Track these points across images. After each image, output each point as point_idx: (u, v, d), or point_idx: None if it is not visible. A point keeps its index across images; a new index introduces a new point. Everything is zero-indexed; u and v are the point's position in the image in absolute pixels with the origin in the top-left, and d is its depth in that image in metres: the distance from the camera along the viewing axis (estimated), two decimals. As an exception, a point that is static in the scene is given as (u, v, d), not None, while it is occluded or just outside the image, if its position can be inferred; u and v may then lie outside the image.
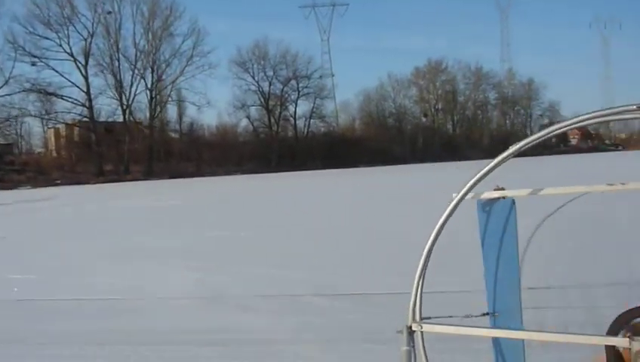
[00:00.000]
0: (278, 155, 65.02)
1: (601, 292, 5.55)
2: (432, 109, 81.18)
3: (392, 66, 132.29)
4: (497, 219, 1.62)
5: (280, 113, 71.79)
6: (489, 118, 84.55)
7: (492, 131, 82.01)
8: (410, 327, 1.49)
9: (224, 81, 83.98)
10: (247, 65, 69.88)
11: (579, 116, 1.38)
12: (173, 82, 64.47)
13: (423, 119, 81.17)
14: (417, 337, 1.50)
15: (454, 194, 1.50)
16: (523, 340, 1.60)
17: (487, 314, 1.65)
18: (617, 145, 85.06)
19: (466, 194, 1.46)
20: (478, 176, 1.44)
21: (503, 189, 1.60)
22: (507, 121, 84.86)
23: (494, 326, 1.62)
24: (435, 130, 79.70)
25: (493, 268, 1.67)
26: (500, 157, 1.42)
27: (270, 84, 70.64)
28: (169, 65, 64.65)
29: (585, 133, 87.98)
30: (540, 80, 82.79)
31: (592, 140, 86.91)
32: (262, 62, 70.30)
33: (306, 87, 72.57)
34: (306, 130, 73.96)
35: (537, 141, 1.42)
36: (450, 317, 1.55)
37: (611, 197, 12.07)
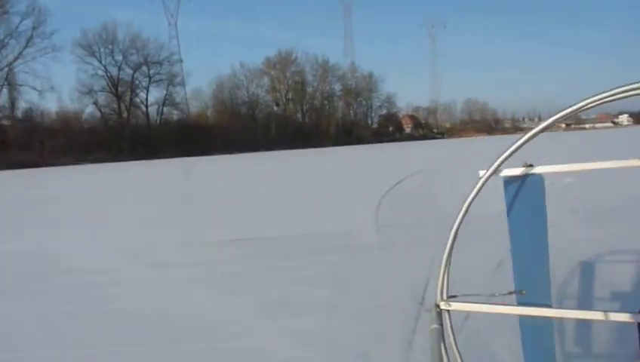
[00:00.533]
0: (130, 143, 62.17)
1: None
2: (284, 99, 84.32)
3: (245, 56, 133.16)
4: (525, 196, 1.57)
5: (131, 100, 68.74)
6: (335, 108, 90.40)
7: (338, 120, 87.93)
8: (439, 306, 1.46)
9: (69, 65, 77.56)
10: (94, 49, 65.83)
11: (601, 93, 1.31)
12: (9, 65, 58.03)
13: (275, 108, 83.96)
14: (445, 315, 1.47)
15: (481, 172, 1.46)
16: (552, 318, 1.54)
17: (514, 292, 1.61)
18: (442, 133, 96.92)
19: (493, 172, 1.42)
20: (505, 154, 1.39)
21: (531, 166, 1.53)
22: (351, 111, 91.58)
23: (522, 303, 1.57)
24: (287, 118, 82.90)
25: (520, 245, 1.63)
26: (529, 134, 1.37)
27: (119, 70, 67.56)
28: (4, 47, 58.09)
29: (416, 122, 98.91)
30: (379, 73, 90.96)
31: (422, 129, 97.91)
32: (110, 47, 66.65)
33: (158, 73, 70.59)
34: (158, 118, 71.81)
35: (567, 116, 1.37)
36: (478, 295, 1.52)
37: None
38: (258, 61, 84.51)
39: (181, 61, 74.12)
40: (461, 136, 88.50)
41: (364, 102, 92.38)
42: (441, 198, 11.96)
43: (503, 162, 1.42)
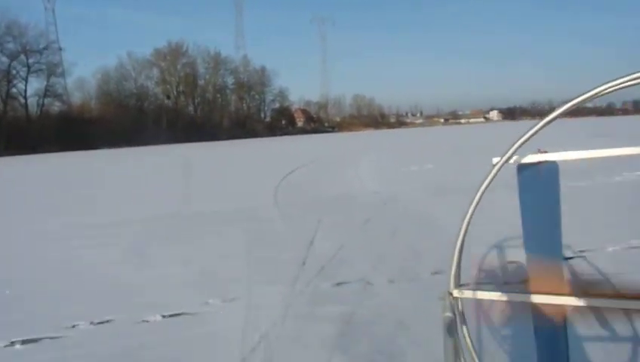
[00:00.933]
0: (7, 137, 57.48)
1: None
2: (174, 91, 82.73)
3: (132, 45, 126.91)
4: (539, 183, 1.55)
5: (7, 90, 63.27)
6: (228, 101, 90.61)
7: (231, 114, 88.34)
8: (452, 294, 1.47)
9: None
10: (-36, 35, 59.12)
11: (611, 82, 1.28)
12: None
13: (166, 100, 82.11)
14: (457, 303, 1.48)
15: (495, 159, 1.45)
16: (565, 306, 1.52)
17: (527, 280, 1.61)
18: (333, 127, 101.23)
19: (508, 158, 1.41)
20: (520, 140, 1.38)
21: (545, 152, 1.52)
22: (244, 105, 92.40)
23: (535, 291, 1.55)
24: (178, 111, 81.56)
25: (533, 233, 1.63)
26: (543, 122, 1.36)
27: (-6, 58, 61.48)
28: None
29: (308, 116, 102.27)
30: (272, 68, 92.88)
31: (314, 123, 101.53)
32: (-17, 33, 60.39)
33: (37, 62, 65.86)
34: (38, 110, 66.93)
35: (580, 104, 1.34)
36: (490, 284, 1.58)
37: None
38: (147, 52, 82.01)
39: (60, 49, 69.81)
40: (350, 130, 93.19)
41: (257, 96, 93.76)
42: (326, 183, 14.50)
43: (517, 149, 1.40)
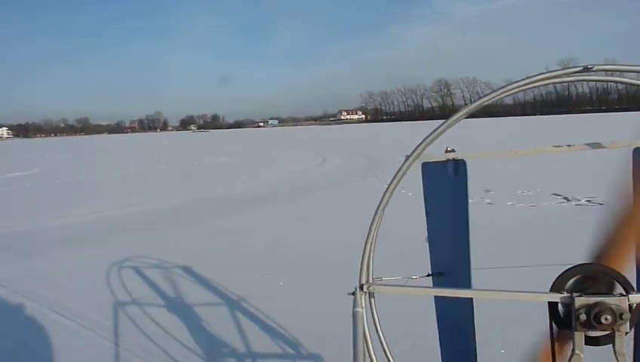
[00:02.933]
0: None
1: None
2: None
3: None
4: (447, 180, 1.59)
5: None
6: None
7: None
8: (362, 288, 1.47)
9: None
10: None
11: (530, 77, 1.32)
12: None
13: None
14: (366, 298, 1.48)
15: (405, 156, 1.49)
16: (472, 299, 1.58)
17: (430, 275, 1.68)
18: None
19: (417, 156, 1.45)
20: (427, 138, 1.42)
21: (453, 151, 1.57)
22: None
23: (442, 286, 1.61)
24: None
25: (439, 230, 1.67)
26: (451, 119, 1.39)
27: None
28: None
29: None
30: None
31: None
32: None
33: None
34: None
35: (489, 102, 1.39)
36: (397, 278, 1.54)
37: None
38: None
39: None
40: None
41: None
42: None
43: (425, 147, 1.41)
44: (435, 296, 1.67)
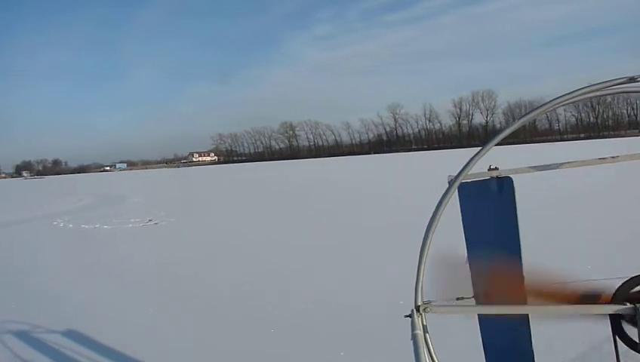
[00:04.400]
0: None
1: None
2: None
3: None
4: (490, 199, 1.55)
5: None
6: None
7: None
8: (418, 309, 1.45)
9: None
10: None
11: (571, 93, 1.29)
12: None
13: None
14: (423, 319, 1.46)
15: (449, 176, 1.47)
16: (528, 320, 1.55)
17: (476, 295, 1.62)
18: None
19: (459, 177, 1.42)
20: (473, 159, 1.39)
21: (496, 169, 1.53)
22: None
23: (492, 305, 1.56)
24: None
25: (485, 249, 1.62)
26: (495, 140, 1.37)
27: None
28: None
29: None
30: None
31: None
32: None
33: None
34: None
35: (530, 119, 1.38)
36: (450, 299, 1.55)
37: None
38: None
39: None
40: None
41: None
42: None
43: (470, 168, 1.39)
44: (482, 318, 1.66)
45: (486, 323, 1.67)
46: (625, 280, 1.28)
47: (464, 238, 1.66)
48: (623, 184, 13.53)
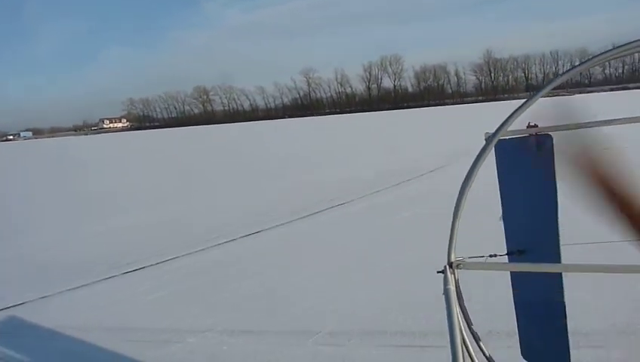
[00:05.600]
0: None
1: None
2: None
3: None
4: (528, 157, 1.52)
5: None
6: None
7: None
8: (451, 266, 1.45)
9: None
10: None
11: (619, 47, 1.25)
12: None
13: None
14: (455, 274, 1.45)
15: (486, 133, 1.42)
16: (561, 278, 1.55)
17: (509, 253, 1.62)
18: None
19: (498, 133, 1.37)
20: (512, 115, 1.35)
21: (535, 126, 1.49)
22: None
23: (528, 262, 1.54)
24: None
25: (520, 207, 1.59)
26: (536, 96, 1.32)
27: None
28: None
29: None
30: None
31: None
32: None
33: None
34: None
35: (580, 71, 1.35)
36: (482, 256, 1.51)
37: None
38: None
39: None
40: None
41: None
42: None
43: (509, 125, 1.35)
44: (515, 275, 1.64)
45: (518, 280, 1.66)
46: None
47: (499, 195, 1.64)
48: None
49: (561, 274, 1.56)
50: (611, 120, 1.51)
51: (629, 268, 1.22)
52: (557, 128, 1.50)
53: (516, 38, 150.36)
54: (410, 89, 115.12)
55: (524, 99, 1.37)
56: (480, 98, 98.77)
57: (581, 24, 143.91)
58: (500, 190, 1.64)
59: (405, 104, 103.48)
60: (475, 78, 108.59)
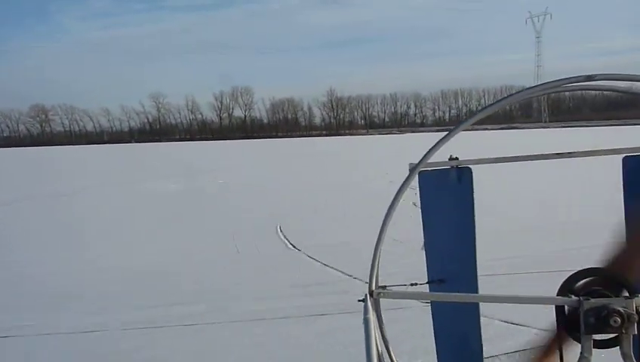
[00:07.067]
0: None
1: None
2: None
3: None
4: (449, 188, 1.57)
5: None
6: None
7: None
8: (372, 294, 1.44)
9: None
10: None
11: (530, 87, 1.32)
12: None
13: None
14: (374, 305, 1.45)
15: (410, 164, 1.47)
16: (478, 307, 1.59)
17: (430, 282, 1.63)
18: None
19: (420, 164, 1.43)
20: (433, 148, 1.40)
21: (456, 159, 1.55)
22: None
23: (445, 292, 1.59)
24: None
25: (440, 237, 1.65)
26: (456, 129, 1.37)
27: None
28: None
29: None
30: None
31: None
32: None
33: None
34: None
35: (492, 111, 1.39)
36: (403, 285, 1.53)
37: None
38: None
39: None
40: None
41: None
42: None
43: (430, 157, 1.40)
44: (435, 304, 1.68)
45: (438, 310, 1.69)
46: (572, 273, 1.30)
47: (422, 225, 1.69)
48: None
49: (478, 303, 1.61)
50: (528, 155, 1.60)
51: (538, 299, 1.28)
52: (477, 161, 1.57)
53: (360, 80, 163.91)
54: (265, 120, 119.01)
55: (445, 132, 1.38)
56: (324, 133, 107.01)
57: (416, 70, 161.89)
58: (423, 219, 1.69)
59: (256, 134, 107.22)
60: (320, 113, 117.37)
